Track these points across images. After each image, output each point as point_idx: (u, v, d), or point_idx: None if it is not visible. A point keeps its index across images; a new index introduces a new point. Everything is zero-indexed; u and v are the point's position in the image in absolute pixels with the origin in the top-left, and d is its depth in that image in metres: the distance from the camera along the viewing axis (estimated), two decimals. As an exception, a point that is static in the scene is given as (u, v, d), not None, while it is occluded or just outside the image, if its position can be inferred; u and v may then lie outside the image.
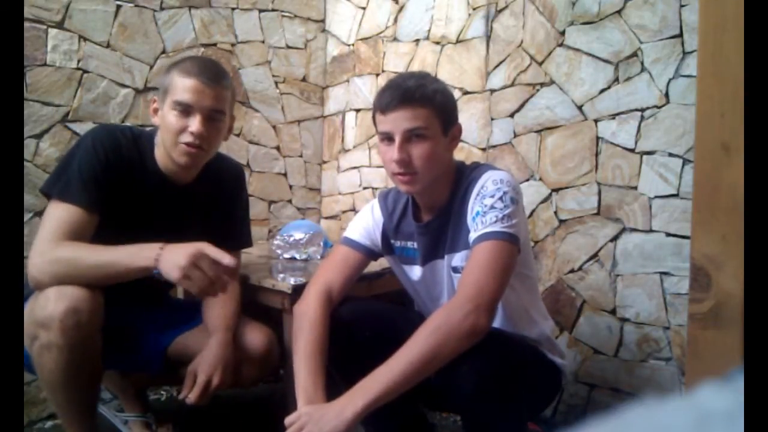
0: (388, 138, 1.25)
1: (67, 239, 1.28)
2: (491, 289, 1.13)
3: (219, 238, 1.60)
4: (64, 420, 1.38)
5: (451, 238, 1.31)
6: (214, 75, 1.37)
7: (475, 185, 1.25)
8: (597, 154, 1.77)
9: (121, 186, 1.38)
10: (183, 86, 1.34)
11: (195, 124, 1.34)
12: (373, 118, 1.30)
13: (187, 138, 1.35)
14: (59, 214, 1.30)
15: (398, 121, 1.22)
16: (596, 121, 1.77)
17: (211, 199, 1.55)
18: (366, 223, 1.44)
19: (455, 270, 1.31)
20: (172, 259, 1.22)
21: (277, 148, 2.42)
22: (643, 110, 1.68)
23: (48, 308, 1.22)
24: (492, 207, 1.20)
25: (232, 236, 1.62)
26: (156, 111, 1.42)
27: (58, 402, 1.34)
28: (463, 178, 1.31)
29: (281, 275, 1.71)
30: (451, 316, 1.10)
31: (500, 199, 1.20)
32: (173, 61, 1.55)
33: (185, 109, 1.34)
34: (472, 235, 1.21)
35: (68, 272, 1.25)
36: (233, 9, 2.23)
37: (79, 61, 1.86)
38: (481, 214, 1.20)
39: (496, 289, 1.14)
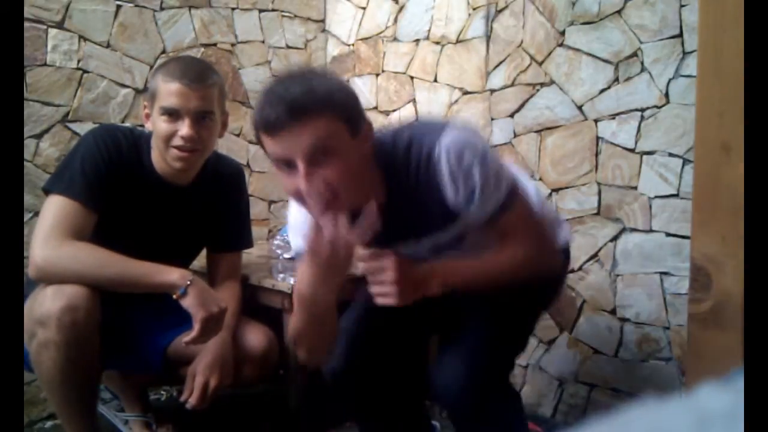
0: (286, 164, 0.99)
1: (71, 235, 1.29)
2: (541, 241, 1.16)
3: (219, 238, 1.60)
4: (62, 419, 1.38)
5: (416, 226, 1.14)
6: (198, 75, 1.36)
7: (429, 168, 1.05)
8: (597, 154, 1.77)
9: (122, 187, 1.38)
10: (168, 91, 1.34)
11: (184, 128, 1.34)
12: (257, 137, 1.02)
13: (178, 142, 1.35)
14: (61, 209, 1.30)
15: (293, 142, 0.95)
16: (596, 121, 1.77)
17: (211, 200, 1.55)
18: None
19: (438, 249, 1.17)
20: (203, 298, 1.31)
21: (277, 148, 2.42)
22: (643, 110, 1.68)
23: (45, 306, 1.23)
24: (481, 181, 1.04)
25: (232, 237, 1.62)
26: (148, 116, 1.41)
27: (56, 401, 1.34)
28: (395, 163, 1.08)
29: (281, 275, 1.71)
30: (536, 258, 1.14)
31: (480, 166, 1.03)
32: (159, 64, 1.55)
33: (173, 114, 1.34)
34: (483, 214, 1.07)
35: (83, 272, 1.27)
36: (233, 9, 2.23)
37: (79, 61, 1.86)
38: (478, 194, 1.04)
39: (543, 238, 1.18)
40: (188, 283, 1.31)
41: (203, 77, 1.37)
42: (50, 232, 1.28)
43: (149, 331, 1.50)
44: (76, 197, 1.31)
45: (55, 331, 1.22)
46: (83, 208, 1.32)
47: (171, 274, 1.31)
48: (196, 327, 1.30)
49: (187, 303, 1.30)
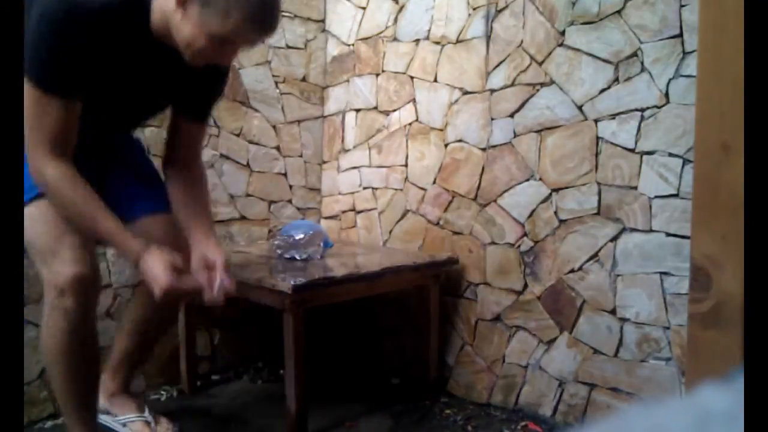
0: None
1: (55, 146, 1.25)
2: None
3: (193, 108, 1.54)
4: (63, 400, 1.41)
5: None
6: (270, 25, 1.25)
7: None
8: (597, 154, 1.77)
9: (106, 62, 1.29)
10: (237, 30, 1.19)
11: (225, 58, 1.30)
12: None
13: (210, 60, 1.28)
14: (41, 107, 1.22)
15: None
16: (596, 121, 1.77)
17: (200, 72, 1.42)
18: None
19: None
20: (153, 274, 1.30)
21: (277, 148, 2.42)
22: (643, 110, 1.68)
23: (63, 273, 1.29)
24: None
25: (205, 111, 1.57)
26: (183, 4, 1.20)
27: (61, 378, 1.38)
28: None
29: (281, 275, 1.71)
30: None
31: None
32: None
33: (224, 43, 1.23)
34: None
35: (59, 206, 1.31)
36: (233, 9, 2.22)
37: (79, 61, 1.86)
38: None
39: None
40: (143, 258, 1.32)
41: (274, 27, 1.27)
42: (34, 142, 1.23)
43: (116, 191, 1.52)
44: (62, 94, 1.23)
45: (70, 298, 1.29)
46: (66, 104, 1.24)
47: (131, 246, 1.33)
48: (157, 295, 1.32)
49: (145, 276, 1.33)
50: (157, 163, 1.66)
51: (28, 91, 1.20)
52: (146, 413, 1.70)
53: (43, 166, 1.25)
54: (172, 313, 1.72)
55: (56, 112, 1.24)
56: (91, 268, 1.33)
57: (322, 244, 2.00)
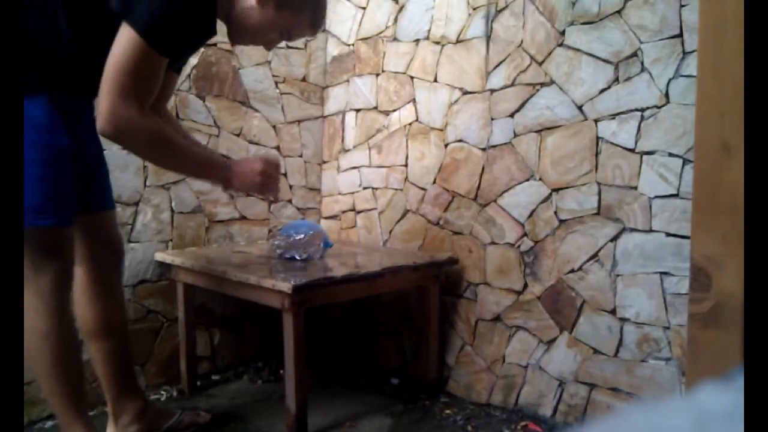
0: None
1: (152, 96, 1.32)
2: None
3: (185, 59, 1.70)
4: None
5: None
6: (322, 26, 1.57)
7: None
8: (597, 154, 1.77)
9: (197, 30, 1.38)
10: (300, 28, 1.44)
11: (272, 45, 1.48)
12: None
13: (257, 43, 1.47)
14: (153, 67, 1.28)
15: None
16: (596, 121, 1.77)
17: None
18: None
19: None
20: (244, 180, 1.46)
21: (277, 148, 2.42)
22: (643, 110, 1.68)
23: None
24: None
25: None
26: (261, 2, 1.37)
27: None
28: None
29: (281, 275, 1.71)
30: None
31: None
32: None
33: (282, 34, 1.44)
34: None
35: (149, 155, 1.45)
36: (233, 9, 2.22)
37: (79, 61, 1.86)
38: None
39: None
40: (232, 164, 1.48)
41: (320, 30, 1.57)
42: (132, 94, 1.25)
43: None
44: (166, 53, 1.27)
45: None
46: (165, 64, 1.30)
47: (222, 161, 1.51)
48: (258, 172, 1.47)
49: (239, 174, 1.46)
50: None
51: (138, 47, 1.24)
52: (178, 413, 1.77)
53: (139, 116, 1.28)
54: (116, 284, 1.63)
55: (159, 71, 1.30)
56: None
57: (322, 244, 2.00)
